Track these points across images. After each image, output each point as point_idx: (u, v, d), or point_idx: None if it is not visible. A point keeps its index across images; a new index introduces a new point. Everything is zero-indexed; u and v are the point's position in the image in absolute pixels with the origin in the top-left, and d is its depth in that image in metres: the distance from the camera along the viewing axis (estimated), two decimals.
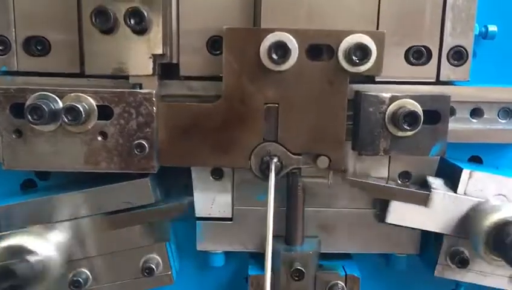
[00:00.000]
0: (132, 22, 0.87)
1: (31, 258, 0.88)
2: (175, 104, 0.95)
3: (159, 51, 0.91)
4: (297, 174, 1.00)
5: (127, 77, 0.94)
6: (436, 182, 1.01)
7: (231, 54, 0.91)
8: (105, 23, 0.87)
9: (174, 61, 0.97)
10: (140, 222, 0.98)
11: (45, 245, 0.91)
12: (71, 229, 0.96)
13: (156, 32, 0.90)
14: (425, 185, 1.02)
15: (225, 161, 0.97)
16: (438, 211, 0.99)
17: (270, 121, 0.94)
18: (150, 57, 0.91)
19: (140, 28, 0.88)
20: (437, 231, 1.00)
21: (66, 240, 0.95)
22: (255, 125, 0.94)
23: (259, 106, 0.93)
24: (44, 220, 0.96)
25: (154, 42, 0.90)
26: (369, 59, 0.90)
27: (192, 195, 1.03)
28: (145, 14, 0.87)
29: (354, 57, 0.89)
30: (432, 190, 0.99)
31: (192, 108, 0.94)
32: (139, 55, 0.91)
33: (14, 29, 0.95)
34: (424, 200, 0.99)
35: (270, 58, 0.90)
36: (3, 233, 0.93)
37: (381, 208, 1.04)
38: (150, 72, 0.92)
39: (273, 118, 0.94)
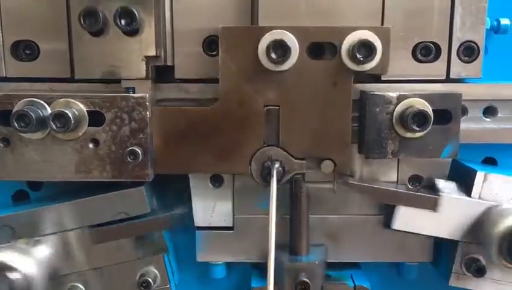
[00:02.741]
0: (123, 22, 0.83)
1: (12, 276, 0.84)
2: (170, 108, 0.90)
3: (152, 53, 0.86)
4: (300, 179, 0.95)
5: (120, 81, 0.90)
6: (448, 186, 0.95)
7: (228, 54, 0.87)
8: (95, 24, 0.83)
9: (169, 63, 0.92)
10: (129, 235, 0.93)
11: (28, 261, 0.87)
12: (57, 244, 0.93)
13: (148, 33, 0.86)
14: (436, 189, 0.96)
15: (224, 168, 0.92)
16: (448, 216, 0.94)
17: (271, 125, 0.90)
18: (143, 59, 0.87)
19: (132, 29, 0.84)
20: (447, 237, 0.95)
21: (52, 255, 0.91)
22: (254, 129, 0.89)
23: (259, 108, 0.89)
24: (33, 233, 0.92)
25: (146, 43, 0.86)
26: (374, 57, 0.85)
27: (190, 203, 0.99)
28: (136, 13, 0.83)
29: (358, 55, 0.85)
30: (441, 193, 0.93)
31: (188, 112, 0.90)
32: (131, 58, 0.86)
33: (1, 34, 0.91)
34: (432, 205, 0.94)
35: (269, 57, 0.85)
36: None
37: (387, 213, 0.99)
38: (143, 75, 0.87)
39: (274, 121, 0.90)
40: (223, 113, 0.89)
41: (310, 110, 0.89)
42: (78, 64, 0.88)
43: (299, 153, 0.91)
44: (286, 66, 0.86)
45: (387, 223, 0.98)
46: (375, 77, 0.93)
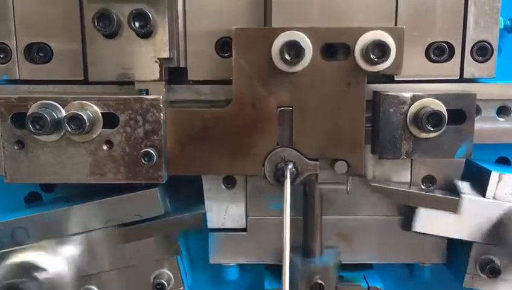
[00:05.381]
0: (136, 24, 0.83)
1: (40, 276, 0.84)
2: (183, 110, 0.91)
3: (166, 55, 0.86)
4: (313, 181, 0.95)
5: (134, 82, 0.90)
6: (463, 186, 0.95)
7: (241, 55, 0.87)
8: (109, 26, 0.83)
9: (182, 65, 0.93)
10: (154, 234, 0.94)
11: (55, 261, 0.86)
12: (83, 244, 0.92)
13: (162, 35, 0.86)
14: (452, 190, 0.96)
15: (237, 169, 0.92)
16: (468, 218, 0.93)
17: (284, 126, 0.89)
18: (156, 61, 0.87)
19: (145, 31, 0.84)
20: (466, 239, 0.94)
21: (78, 255, 0.91)
22: (268, 130, 0.89)
23: (272, 109, 0.89)
24: (53, 234, 0.92)
25: (160, 46, 0.86)
26: (388, 57, 0.84)
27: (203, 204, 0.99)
28: (150, 16, 0.83)
29: (371, 56, 0.84)
30: (462, 195, 0.93)
31: (202, 114, 0.90)
32: (144, 60, 0.86)
33: (14, 37, 0.92)
34: (453, 206, 0.93)
35: (283, 58, 0.85)
36: (12, 249, 0.89)
37: (407, 215, 0.98)
38: (157, 77, 0.87)
39: (287, 122, 0.89)
40: (236, 114, 0.89)
41: (323, 111, 0.89)
42: (91, 66, 0.88)
43: (312, 154, 0.90)
44: (299, 67, 0.86)
45: (407, 225, 0.98)
46: (388, 77, 0.93)
